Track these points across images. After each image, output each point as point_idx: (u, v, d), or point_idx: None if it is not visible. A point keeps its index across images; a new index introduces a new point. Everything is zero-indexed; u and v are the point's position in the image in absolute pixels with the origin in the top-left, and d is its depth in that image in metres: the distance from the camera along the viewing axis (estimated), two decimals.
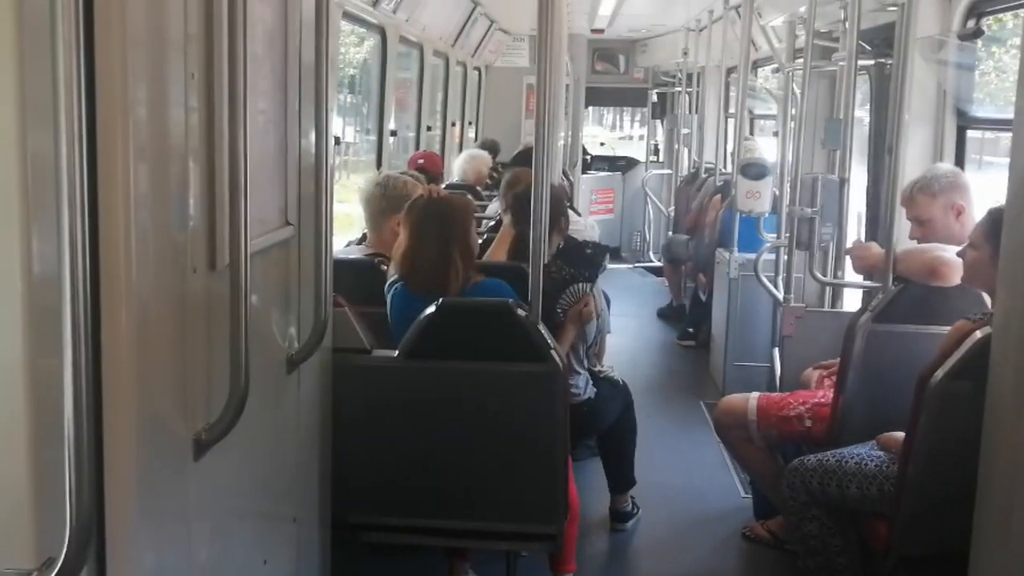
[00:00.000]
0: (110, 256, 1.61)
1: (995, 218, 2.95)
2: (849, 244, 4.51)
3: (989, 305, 3.10)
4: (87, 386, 1.38)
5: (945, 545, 2.75)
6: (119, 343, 1.63)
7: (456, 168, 8.13)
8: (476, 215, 6.07)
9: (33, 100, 1.42)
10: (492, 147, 9.17)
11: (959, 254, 3.30)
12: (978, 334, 2.69)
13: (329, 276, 2.73)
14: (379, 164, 6.91)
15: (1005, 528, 2.34)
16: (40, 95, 1.37)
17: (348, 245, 4.47)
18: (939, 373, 2.79)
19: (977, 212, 3.67)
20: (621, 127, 26.01)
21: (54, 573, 1.37)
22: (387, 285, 3.47)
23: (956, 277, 3.42)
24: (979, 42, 4.59)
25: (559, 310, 3.78)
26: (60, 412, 1.37)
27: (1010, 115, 2.49)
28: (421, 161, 6.98)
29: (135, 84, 1.64)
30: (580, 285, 3.84)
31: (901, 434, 3.04)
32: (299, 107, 2.56)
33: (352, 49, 9.58)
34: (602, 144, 16.47)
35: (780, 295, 4.89)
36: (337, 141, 3.20)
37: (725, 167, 8.69)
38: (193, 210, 1.89)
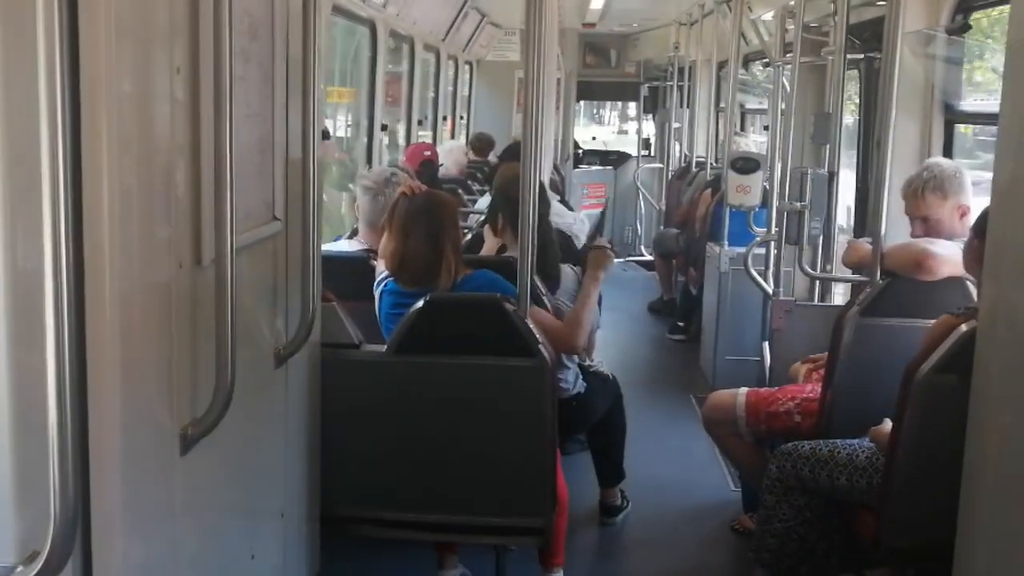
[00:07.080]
0: (94, 251, 1.61)
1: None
2: (839, 238, 4.51)
3: (975, 298, 3.11)
4: (71, 381, 1.38)
5: (931, 536, 2.77)
6: (104, 338, 1.63)
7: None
8: (465, 209, 6.08)
9: (17, 93, 1.42)
10: (488, 142, 9.14)
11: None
12: (963, 327, 2.70)
13: (317, 271, 2.73)
14: (369, 160, 6.91)
15: (990, 520, 2.36)
16: (24, 88, 1.37)
17: (337, 239, 4.47)
18: (925, 367, 2.80)
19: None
20: (622, 122, 25.88)
21: (38, 567, 1.37)
22: (376, 282, 3.47)
23: (942, 271, 3.42)
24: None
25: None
26: (44, 407, 1.37)
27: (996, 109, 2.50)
28: (428, 153, 6.89)
29: (120, 78, 1.64)
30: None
31: (888, 425, 3.05)
32: (286, 101, 2.56)
33: None
34: (593, 138, 16.46)
35: (770, 289, 4.90)
36: (326, 135, 3.20)
37: (716, 161, 8.70)
38: (178, 205, 1.89)
